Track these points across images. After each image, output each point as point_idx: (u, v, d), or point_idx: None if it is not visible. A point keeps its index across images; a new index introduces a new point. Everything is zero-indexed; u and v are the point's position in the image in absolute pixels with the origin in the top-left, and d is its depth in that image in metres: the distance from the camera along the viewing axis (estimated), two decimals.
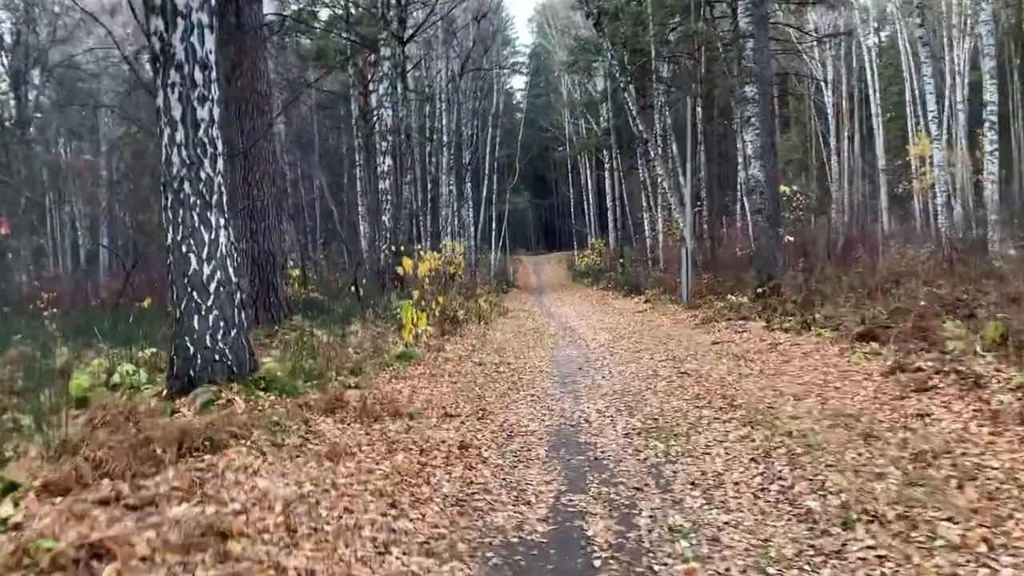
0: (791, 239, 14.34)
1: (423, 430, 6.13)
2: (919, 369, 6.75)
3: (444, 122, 31.01)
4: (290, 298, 11.86)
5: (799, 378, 7.66)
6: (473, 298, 17.92)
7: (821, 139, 38.48)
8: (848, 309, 11.49)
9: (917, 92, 35.28)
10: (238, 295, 6.82)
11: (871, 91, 36.39)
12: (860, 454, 4.97)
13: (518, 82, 52.30)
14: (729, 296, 14.11)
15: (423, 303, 10.82)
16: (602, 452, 5.66)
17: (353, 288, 13.35)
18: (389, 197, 19.60)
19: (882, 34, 40.38)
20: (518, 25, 79.38)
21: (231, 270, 6.74)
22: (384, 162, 19.64)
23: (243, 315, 6.89)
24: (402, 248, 16.23)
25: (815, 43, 33.66)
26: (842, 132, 37.66)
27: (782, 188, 14.88)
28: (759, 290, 13.69)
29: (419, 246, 17.03)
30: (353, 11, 27.79)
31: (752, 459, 5.20)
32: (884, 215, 34.09)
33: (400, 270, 9.96)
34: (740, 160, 26.15)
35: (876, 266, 15.98)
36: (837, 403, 6.39)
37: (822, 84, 37.16)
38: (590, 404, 7.37)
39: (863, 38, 37.08)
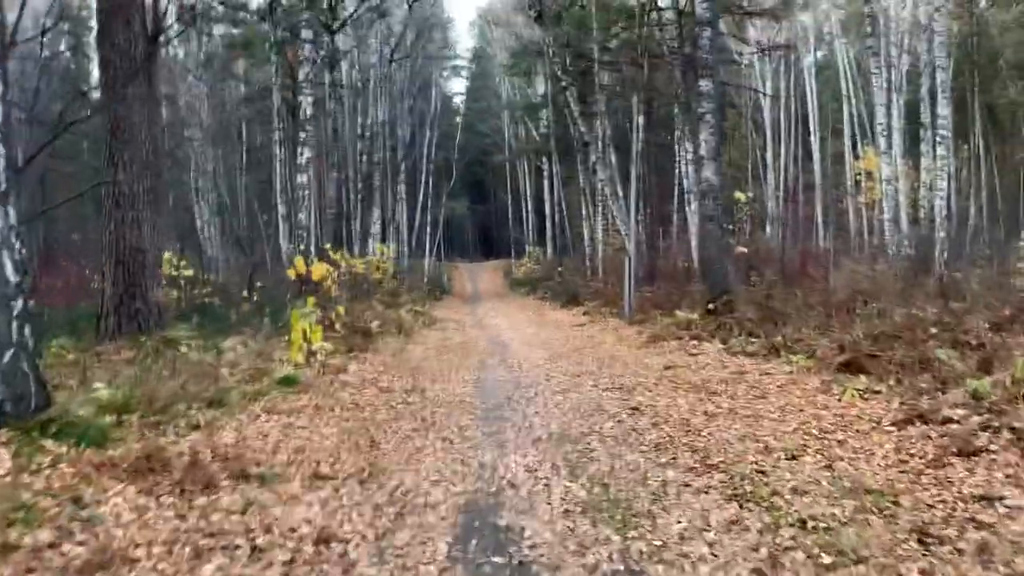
0: (743, 250, 12.73)
1: (271, 508, 4.10)
2: (949, 420, 5.02)
3: (377, 118, 28.86)
4: (163, 304, 9.63)
5: (784, 422, 5.87)
6: (395, 307, 15.85)
7: (758, 154, 37.57)
8: (812, 331, 9.91)
9: (855, 109, 34.77)
10: (19, 301, 4.68)
11: (810, 108, 35.70)
12: (924, 573, 3.16)
13: (458, 86, 50.43)
14: (677, 312, 12.39)
15: (321, 314, 8.78)
16: (531, 548, 3.73)
17: (247, 293, 11.19)
18: (307, 192, 17.45)
19: (818, 53, 39.59)
20: (459, 29, 77.21)
21: (9, 266, 4.61)
22: (302, 154, 17.49)
23: (27, 330, 4.75)
24: (309, 250, 14.13)
25: (756, 56, 32.70)
26: (779, 147, 36.84)
27: (736, 194, 13.29)
28: (710, 306, 12.02)
29: (328, 246, 14.91)
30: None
31: (755, 571, 3.35)
32: (820, 230, 33.23)
33: (292, 273, 7.89)
34: (681, 169, 24.72)
35: (829, 283, 14.54)
36: (850, 467, 4.60)
37: (761, 98, 36.27)
38: (519, 456, 5.43)
39: (803, 56, 36.37)
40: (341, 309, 8.77)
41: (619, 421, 6.37)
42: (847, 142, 35.08)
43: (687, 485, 4.57)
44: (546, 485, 4.71)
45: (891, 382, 6.56)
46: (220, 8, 29.66)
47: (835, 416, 5.90)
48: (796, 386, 7.16)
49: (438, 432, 6.19)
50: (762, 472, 4.67)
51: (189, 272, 13.51)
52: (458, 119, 42.09)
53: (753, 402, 6.69)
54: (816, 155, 35.44)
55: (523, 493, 4.58)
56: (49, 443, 4.54)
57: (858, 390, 6.49)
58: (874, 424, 5.48)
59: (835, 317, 10.82)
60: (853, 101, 34.53)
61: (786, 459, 4.95)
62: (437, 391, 8.10)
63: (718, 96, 12.24)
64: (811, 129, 35.66)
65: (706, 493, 4.41)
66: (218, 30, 32.78)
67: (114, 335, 9.31)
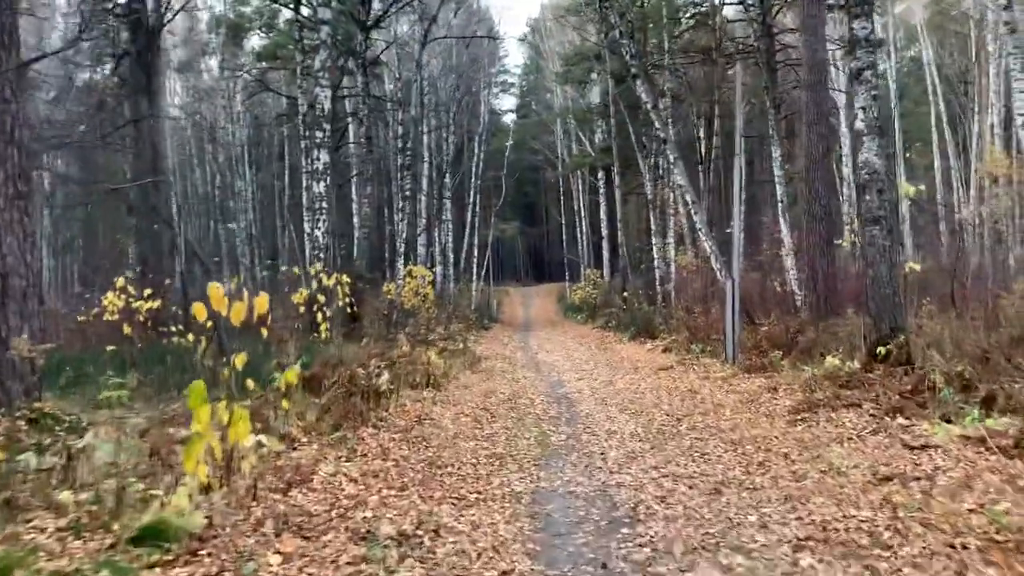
0: (915, 267, 8.46)
1: None
2: None
3: (420, 128, 25.27)
4: (35, 358, 5.77)
5: None
6: (427, 344, 11.89)
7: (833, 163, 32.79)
8: None
9: (945, 112, 30.10)
10: None
11: (893, 114, 31.05)
12: None
13: (508, 103, 46.84)
14: (827, 358, 8.14)
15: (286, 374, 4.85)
16: None
17: (211, 335, 7.39)
18: (324, 205, 13.72)
19: (893, 60, 34.53)
20: (509, 46, 73.54)
21: None
22: (318, 158, 13.80)
23: None
24: (327, 274, 10.30)
25: (837, 53, 28.32)
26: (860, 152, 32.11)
27: (905, 188, 9.07)
28: (878, 350, 7.76)
29: (320, 269, 11.04)
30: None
31: None
32: (909, 245, 28.31)
33: (199, 312, 4.08)
34: (775, 174, 20.34)
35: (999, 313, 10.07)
36: None
37: (836, 99, 31.75)
38: None
39: (886, 59, 31.72)
40: (291, 375, 4.80)
41: None
42: (935, 147, 30.34)
43: None
44: None
45: None
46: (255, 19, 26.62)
47: None
48: None
49: None
50: None
51: (154, 304, 9.76)
52: (508, 140, 38.36)
53: None
54: (901, 163, 30.63)
55: None
56: None
57: None
58: None
59: None
60: (941, 103, 29.85)
61: None
62: (462, 536, 4.04)
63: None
64: (896, 137, 30.96)
65: None
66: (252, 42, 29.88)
67: None
